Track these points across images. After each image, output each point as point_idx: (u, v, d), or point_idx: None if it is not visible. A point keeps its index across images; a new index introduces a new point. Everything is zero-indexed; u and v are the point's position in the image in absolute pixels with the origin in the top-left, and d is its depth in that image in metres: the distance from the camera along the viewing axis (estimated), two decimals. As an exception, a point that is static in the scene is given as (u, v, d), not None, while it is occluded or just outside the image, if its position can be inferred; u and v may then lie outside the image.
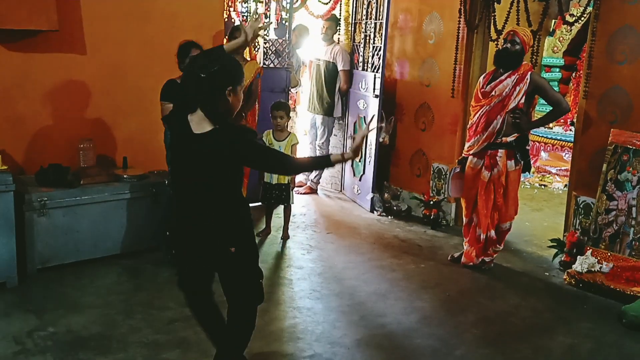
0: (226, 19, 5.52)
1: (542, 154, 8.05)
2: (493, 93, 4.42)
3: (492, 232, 4.57)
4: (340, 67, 6.34)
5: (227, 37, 5.30)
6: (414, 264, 4.67)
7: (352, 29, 6.43)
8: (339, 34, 6.53)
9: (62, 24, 4.40)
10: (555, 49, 8.47)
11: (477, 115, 4.52)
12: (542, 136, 8.10)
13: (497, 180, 4.48)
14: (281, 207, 5.15)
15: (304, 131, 6.80)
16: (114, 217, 4.33)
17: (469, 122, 4.63)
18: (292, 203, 5.12)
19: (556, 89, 8.52)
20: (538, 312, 3.95)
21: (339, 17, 6.51)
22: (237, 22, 5.64)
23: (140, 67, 4.86)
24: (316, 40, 6.64)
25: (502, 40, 4.48)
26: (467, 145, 4.64)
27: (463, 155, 4.69)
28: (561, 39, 8.40)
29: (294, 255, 4.72)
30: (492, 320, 3.80)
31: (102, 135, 4.78)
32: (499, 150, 4.45)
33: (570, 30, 8.13)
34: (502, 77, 4.41)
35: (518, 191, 4.62)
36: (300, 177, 6.89)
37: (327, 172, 6.90)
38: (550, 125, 8.18)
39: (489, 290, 4.28)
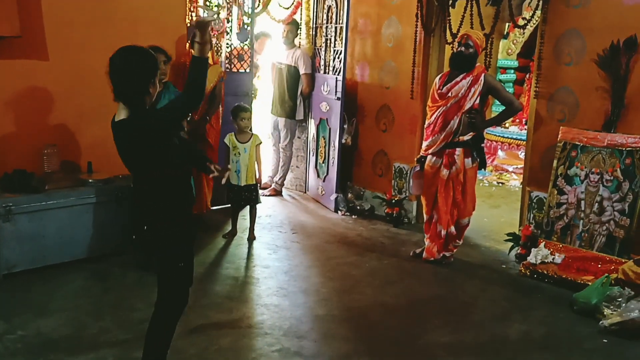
0: (189, 24, 5.58)
1: (499, 152, 8.34)
2: (449, 94, 4.61)
3: (452, 228, 4.75)
4: (302, 71, 6.46)
5: (189, 41, 5.37)
6: (378, 260, 4.82)
7: (314, 33, 6.56)
8: (300, 38, 6.66)
9: (24, 30, 4.42)
10: (510, 51, 8.78)
11: (435, 115, 4.70)
12: (499, 135, 8.38)
13: (455, 178, 4.66)
14: (246, 209, 5.23)
15: (268, 135, 6.90)
16: (80, 222, 4.36)
17: (426, 122, 4.81)
18: (260, 202, 5.21)
19: (511, 90, 8.83)
20: (496, 301, 4.13)
21: (299, 21, 6.63)
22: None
23: (103, 72, 4.84)
24: (278, 44, 6.75)
25: (457, 44, 4.68)
26: (424, 144, 4.81)
27: (421, 154, 4.87)
28: (515, 41, 8.71)
29: (261, 255, 4.82)
30: (453, 311, 3.96)
31: (66, 141, 4.80)
32: (457, 149, 4.64)
33: (523, 33, 8.44)
34: (458, 79, 4.60)
35: (475, 188, 4.82)
36: (264, 179, 6.99)
37: (291, 174, 7.02)
38: (507, 124, 8.47)
39: (449, 283, 4.45)
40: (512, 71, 8.83)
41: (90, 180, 4.48)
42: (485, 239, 5.48)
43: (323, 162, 6.37)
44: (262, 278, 4.35)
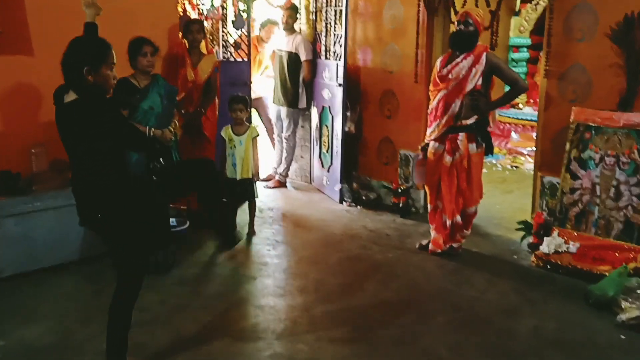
0: (182, 13, 5.38)
1: (513, 135, 8.04)
2: (450, 76, 4.36)
3: (458, 218, 4.52)
4: (302, 58, 6.23)
5: (182, 31, 5.17)
6: (382, 253, 4.61)
7: (314, 17, 6.32)
8: (299, 23, 6.42)
9: (5, 25, 4.26)
10: (522, 28, 8.44)
11: (436, 99, 4.46)
12: (512, 117, 8.09)
13: (459, 165, 4.42)
14: (247, 203, 5.06)
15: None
16: (70, 223, 4.11)
17: (429, 108, 4.57)
18: (257, 197, 5.02)
19: (525, 69, 8.52)
20: (504, 295, 3.90)
21: (298, 5, 6.39)
22: (194, 15, 5.51)
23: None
24: (278, 31, 6.52)
25: (456, 22, 4.42)
26: (428, 131, 4.57)
27: (425, 141, 4.63)
28: (527, 18, 8.37)
29: (259, 252, 4.63)
30: (459, 306, 3.75)
31: (55, 139, 4.59)
32: (460, 134, 4.39)
33: (536, 9, 8.10)
34: (458, 60, 4.35)
35: (481, 174, 4.57)
36: (269, 171, 6.80)
37: (296, 165, 6.82)
38: (520, 105, 8.17)
39: (456, 276, 4.22)
40: (525, 49, 8.50)
41: (79, 180, 4.31)
42: (497, 227, 5.23)
43: (327, 152, 6.15)
44: (259, 277, 4.16)
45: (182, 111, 5.02)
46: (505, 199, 6.11)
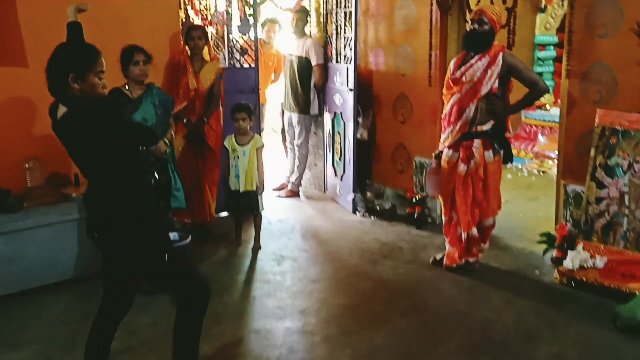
0: (184, 19, 5.19)
1: (540, 137, 7.63)
2: (464, 79, 4.06)
3: (474, 230, 4.20)
4: (313, 62, 5.98)
5: (183, 37, 4.98)
6: (392, 269, 4.32)
7: (324, 19, 6.07)
8: (310, 27, 6.18)
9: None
10: (548, 26, 8.04)
11: (450, 104, 4.17)
12: (538, 119, 7.69)
13: (474, 173, 4.11)
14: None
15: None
16: (63, 240, 4.03)
17: (443, 113, 4.27)
18: (262, 209, 4.79)
19: (552, 67, 8.11)
20: (523, 316, 3.58)
21: (308, 8, 6.15)
22: (197, 21, 5.31)
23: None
24: (287, 34, 6.28)
25: (470, 21, 4.11)
26: (442, 137, 4.28)
27: (439, 148, 4.34)
28: (553, 15, 7.97)
29: (263, 268, 4.39)
30: (471, 330, 3.44)
31: (52, 153, 4.44)
32: (475, 141, 4.09)
33: (562, 5, 7.69)
34: (472, 61, 4.04)
35: (499, 183, 4.25)
36: (281, 180, 6.57)
37: (310, 173, 6.58)
38: (547, 106, 7.77)
39: (471, 294, 3.92)
40: (552, 47, 8.08)
41: (73, 195, 4.15)
42: (519, 238, 4.89)
43: (340, 159, 5.89)
44: (260, 296, 3.92)
45: (185, 121, 4.83)
46: (529, 207, 5.75)
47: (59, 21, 4.35)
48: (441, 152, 4.31)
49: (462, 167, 4.13)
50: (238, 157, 4.63)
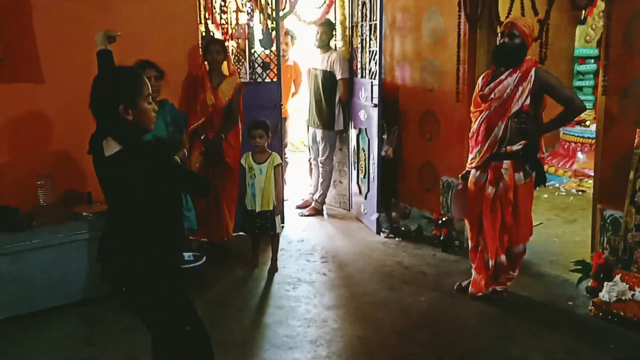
0: (203, 33, 5.07)
1: (579, 155, 7.25)
2: (492, 96, 3.81)
3: (503, 257, 3.92)
4: (338, 76, 5.80)
5: (202, 50, 4.85)
6: (413, 296, 4.07)
7: (350, 33, 5.88)
8: (335, 40, 6.00)
9: (13, 52, 4.07)
10: (588, 38, 7.68)
11: (477, 122, 3.92)
12: (577, 135, 7.32)
13: (503, 197, 3.84)
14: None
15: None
16: (71, 261, 3.92)
17: (470, 131, 4.02)
18: (280, 230, 4.60)
19: (592, 82, 7.74)
20: (552, 354, 3.29)
21: (333, 21, 5.97)
22: (218, 35, 5.18)
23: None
24: (311, 48, 6.12)
25: (499, 34, 3.86)
26: (470, 157, 4.03)
27: (466, 168, 4.08)
28: (594, 26, 7.61)
29: (277, 293, 4.19)
30: (496, 369, 3.17)
31: (67, 170, 4.39)
32: (504, 162, 3.82)
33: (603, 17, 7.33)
34: (502, 77, 3.79)
35: (531, 207, 3.96)
36: (305, 197, 6.39)
37: (334, 190, 6.37)
38: (587, 122, 7.40)
39: (497, 328, 3.63)
40: (592, 61, 7.71)
41: (84, 214, 4.04)
42: (552, 265, 4.57)
43: (364, 177, 5.67)
44: (270, 323, 3.72)
45: (202, 137, 4.69)
46: (565, 230, 5.41)
47: (75, 38, 4.33)
48: (468, 172, 4.06)
49: (490, 190, 3.87)
50: (254, 176, 4.46)
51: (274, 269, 4.56)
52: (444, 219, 4.99)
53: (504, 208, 3.85)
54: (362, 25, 5.56)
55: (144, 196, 2.25)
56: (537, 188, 4.01)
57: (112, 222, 2.41)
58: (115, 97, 2.20)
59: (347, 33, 5.93)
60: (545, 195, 6.53)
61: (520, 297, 4.03)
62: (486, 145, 3.83)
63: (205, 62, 4.80)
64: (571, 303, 3.92)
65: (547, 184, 5.52)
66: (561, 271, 4.44)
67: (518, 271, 4.05)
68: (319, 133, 6.02)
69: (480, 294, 3.98)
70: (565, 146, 7.45)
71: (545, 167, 4.34)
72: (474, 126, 3.93)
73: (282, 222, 5.60)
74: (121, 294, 2.34)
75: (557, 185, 6.94)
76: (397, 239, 5.26)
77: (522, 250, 3.97)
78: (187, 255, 4.54)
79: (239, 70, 5.31)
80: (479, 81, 3.97)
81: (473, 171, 3.98)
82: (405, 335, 3.54)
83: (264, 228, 4.50)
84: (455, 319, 3.75)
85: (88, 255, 3.95)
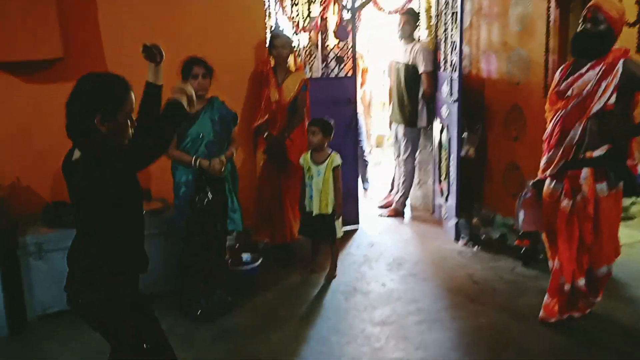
0: (273, 27, 4.90)
1: None
2: (570, 92, 3.27)
3: (581, 281, 3.39)
4: (421, 69, 5.38)
5: (268, 45, 4.68)
6: (475, 317, 3.63)
7: (435, 22, 5.43)
8: (419, 30, 5.57)
9: (76, 49, 4.16)
10: None
11: (552, 123, 3.40)
12: None
13: (582, 211, 3.30)
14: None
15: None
16: None
17: (545, 133, 3.50)
18: (339, 236, 4.32)
19: None
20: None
21: (418, 9, 5.54)
22: (288, 28, 4.97)
23: (167, 90, 4.45)
24: (393, 39, 5.74)
25: (581, 19, 3.30)
26: (541, 162, 3.51)
27: (538, 176, 3.57)
28: None
29: (328, 303, 3.94)
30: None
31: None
32: (583, 170, 3.28)
33: None
34: (583, 70, 3.25)
35: (618, 223, 3.38)
36: (387, 197, 6.05)
37: (419, 192, 5.97)
38: None
39: (566, 362, 3.13)
40: None
41: (138, 211, 4.04)
42: (650, 289, 3.91)
43: (444, 179, 5.23)
44: (310, 337, 3.47)
45: (265, 135, 4.55)
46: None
47: (141, 34, 4.32)
48: (540, 180, 3.55)
49: (565, 203, 3.34)
50: (312, 177, 4.23)
51: (331, 276, 4.31)
52: (527, 228, 4.44)
53: (582, 224, 3.31)
54: (445, 13, 5.10)
55: (95, 208, 2.12)
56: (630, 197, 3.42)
57: (76, 232, 2.30)
58: (95, 107, 2.08)
59: (431, 23, 5.48)
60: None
61: (603, 325, 3.46)
62: (561, 151, 3.30)
63: (271, 57, 4.64)
64: (666, 339, 3.29)
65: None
66: (662, 297, 3.78)
67: (601, 296, 3.48)
68: (401, 130, 5.65)
69: (553, 320, 3.46)
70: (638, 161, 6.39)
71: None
72: (549, 127, 3.41)
73: (357, 222, 5.34)
74: (76, 306, 2.25)
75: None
76: (475, 247, 4.79)
77: (605, 272, 3.40)
78: (244, 256, 4.44)
79: (310, 65, 5.09)
80: (557, 74, 3.44)
81: (548, 180, 3.47)
82: (455, 364, 3.15)
83: (322, 232, 4.26)
84: (517, 348, 3.27)
85: (139, 254, 3.96)
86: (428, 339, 3.40)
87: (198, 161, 3.63)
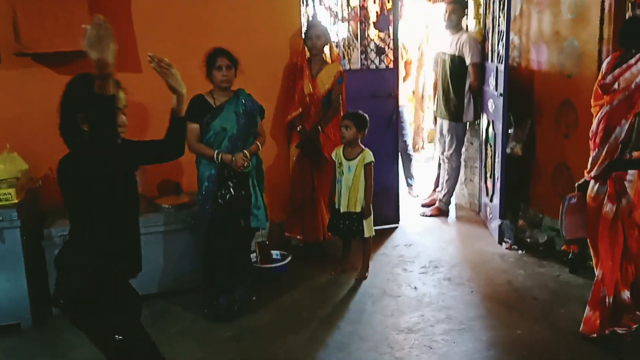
0: (310, 17, 4.74)
1: None
2: (615, 86, 2.96)
3: (626, 294, 3.08)
4: (468, 61, 5.10)
5: (303, 36, 4.52)
6: (509, 328, 3.37)
7: (484, 11, 5.13)
8: (467, 19, 5.28)
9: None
10: None
11: (597, 119, 3.09)
12: None
13: (626, 217, 3.00)
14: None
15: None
16: (148, 252, 3.85)
17: (590, 130, 3.20)
18: (370, 235, 4.14)
19: None
20: None
21: (466, -2, 5.27)
22: (326, 18, 4.80)
23: (199, 83, 4.38)
24: (439, 30, 5.47)
25: (630, 5, 2.98)
26: (589, 162, 3.21)
27: (584, 178, 3.27)
28: None
29: (354, 306, 3.76)
30: None
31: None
32: (629, 172, 2.96)
33: None
34: (632, 61, 2.93)
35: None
36: (432, 195, 5.79)
37: (465, 190, 5.69)
38: None
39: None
40: None
41: (164, 205, 4.01)
42: None
43: (490, 177, 4.94)
44: (330, 342, 3.30)
45: (299, 129, 4.42)
46: None
47: (173, 26, 4.31)
48: (587, 182, 3.25)
49: (608, 207, 3.05)
50: (343, 173, 4.07)
51: (362, 276, 4.14)
52: (575, 233, 4.11)
53: (627, 231, 3.00)
54: (493, 2, 4.79)
55: (73, 208, 2.11)
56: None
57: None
58: (77, 104, 2.05)
59: (480, 12, 5.18)
60: None
61: (650, 343, 3.14)
62: (605, 150, 3.00)
63: (306, 49, 4.49)
64: None
65: None
66: None
67: (650, 311, 3.16)
68: (446, 125, 5.38)
69: (594, 335, 3.16)
70: None
71: None
72: (594, 124, 3.11)
73: (397, 221, 5.13)
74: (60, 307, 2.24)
75: None
76: (520, 251, 4.49)
77: (654, 285, 3.08)
78: (274, 253, 4.34)
79: (349, 56, 4.91)
80: (603, 66, 3.13)
81: (592, 182, 3.17)
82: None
83: (349, 231, 4.10)
84: (551, 364, 3.02)
85: (163, 248, 3.92)
86: (454, 350, 3.18)
87: (220, 156, 3.53)
